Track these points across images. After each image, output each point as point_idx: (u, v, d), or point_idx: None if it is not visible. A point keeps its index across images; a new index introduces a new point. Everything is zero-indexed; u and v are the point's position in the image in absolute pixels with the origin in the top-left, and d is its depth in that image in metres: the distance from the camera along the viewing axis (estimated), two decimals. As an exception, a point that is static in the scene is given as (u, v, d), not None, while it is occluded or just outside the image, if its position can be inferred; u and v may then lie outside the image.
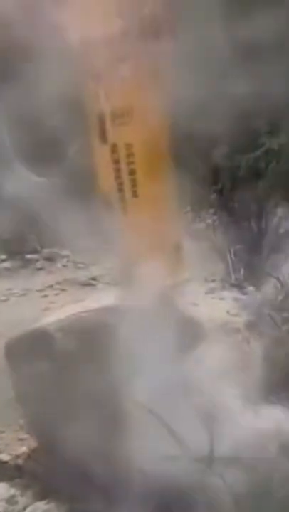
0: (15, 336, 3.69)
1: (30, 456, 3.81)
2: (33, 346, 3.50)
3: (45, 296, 8.60)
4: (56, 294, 8.79)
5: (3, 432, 4.35)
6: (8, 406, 4.62)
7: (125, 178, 3.11)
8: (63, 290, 9.02)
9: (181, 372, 3.08)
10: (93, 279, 9.24)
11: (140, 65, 3.02)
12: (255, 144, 5.40)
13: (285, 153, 5.17)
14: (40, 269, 9.92)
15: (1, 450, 4.07)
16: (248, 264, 4.43)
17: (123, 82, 3.03)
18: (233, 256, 4.20)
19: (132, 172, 3.10)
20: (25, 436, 4.08)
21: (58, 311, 4.02)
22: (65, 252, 10.43)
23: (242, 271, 4.14)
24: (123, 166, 3.10)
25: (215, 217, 6.53)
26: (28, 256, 10.25)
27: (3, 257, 10.20)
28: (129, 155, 3.08)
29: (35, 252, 10.33)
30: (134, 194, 3.11)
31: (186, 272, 3.30)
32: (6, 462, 3.88)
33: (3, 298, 8.54)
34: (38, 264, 10.04)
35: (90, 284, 9.11)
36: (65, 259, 10.20)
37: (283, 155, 5.22)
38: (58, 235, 10.67)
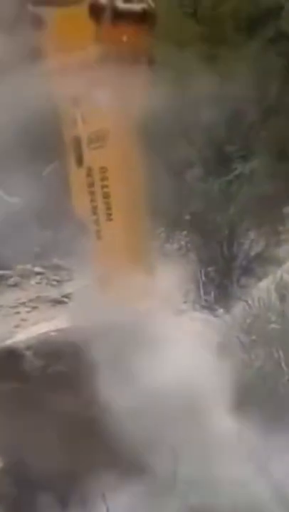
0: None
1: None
2: (2, 365, 3.49)
3: (17, 313, 8.58)
4: (28, 312, 8.77)
5: None
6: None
7: (99, 201, 3.14)
8: (35, 308, 9.00)
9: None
10: (66, 296, 9.24)
11: (116, 90, 3.07)
12: (228, 168, 5.50)
13: (257, 178, 5.27)
14: (13, 285, 9.89)
15: None
16: (218, 286, 4.49)
17: (99, 107, 3.07)
18: (203, 277, 4.25)
19: (106, 195, 3.13)
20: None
21: (29, 329, 4.02)
22: (38, 269, 10.41)
23: (212, 293, 4.19)
24: (97, 190, 3.14)
25: (188, 239, 6.60)
26: (1, 272, 10.22)
27: (-23, 272, 10.15)
28: (104, 178, 3.12)
29: (8, 268, 10.30)
30: (109, 217, 3.15)
31: (158, 294, 3.32)
32: None
33: (-25, 314, 8.50)
34: (11, 281, 10.02)
35: (62, 301, 9.11)
36: (38, 277, 10.19)
37: (255, 180, 5.33)
38: (32, 253, 10.61)
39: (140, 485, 2.81)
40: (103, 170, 3.12)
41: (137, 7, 3.11)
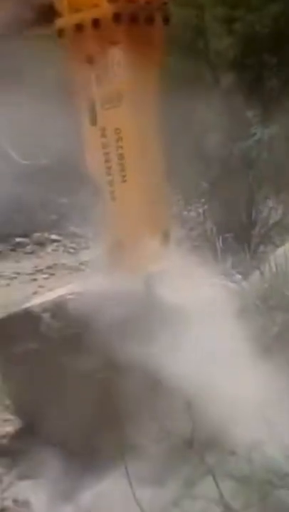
0: (2, 317, 3.72)
1: (15, 436, 3.85)
2: (20, 327, 3.52)
3: (35, 279, 8.64)
4: (45, 279, 8.83)
5: (-13, 412, 4.39)
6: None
7: (114, 162, 3.11)
8: (52, 275, 9.06)
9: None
10: (82, 264, 9.28)
11: (132, 49, 3.00)
12: (246, 134, 5.43)
13: (276, 144, 5.21)
14: (30, 253, 9.95)
15: (-15, 430, 4.11)
16: (236, 253, 4.47)
17: (114, 67, 3.03)
18: (221, 244, 4.24)
19: (120, 157, 3.10)
20: (10, 416, 4.12)
21: (45, 294, 4.05)
22: (55, 237, 10.45)
23: (230, 259, 4.18)
24: (112, 151, 3.10)
25: (206, 207, 6.56)
26: (18, 239, 10.27)
27: (-7, 239, 10.21)
28: (118, 139, 3.08)
29: (25, 235, 10.34)
30: (123, 179, 3.11)
31: (172, 259, 3.29)
32: (-10, 442, 3.92)
33: (-7, 280, 8.58)
34: (28, 248, 10.07)
35: (79, 269, 9.15)
36: (55, 244, 10.23)
37: (274, 146, 5.26)
38: (49, 220, 10.66)
39: (156, 446, 2.83)
40: (118, 131, 3.08)
41: None
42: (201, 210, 6.93)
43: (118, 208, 3.17)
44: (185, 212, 7.90)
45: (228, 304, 3.67)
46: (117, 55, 3.02)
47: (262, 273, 3.81)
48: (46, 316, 3.42)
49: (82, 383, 3.22)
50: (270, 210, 6.34)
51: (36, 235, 10.31)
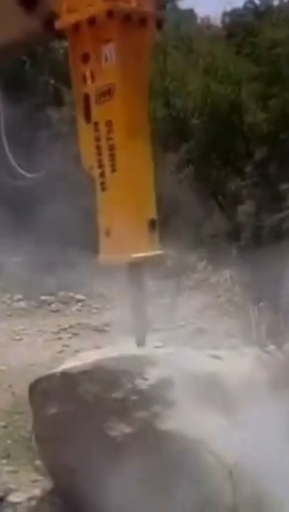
0: (38, 378, 3.75)
1: (43, 498, 3.83)
2: (57, 388, 3.55)
3: (60, 338, 8.67)
4: (69, 338, 8.86)
5: (16, 471, 4.37)
6: (23, 446, 4.66)
7: (105, 154, 3.22)
8: (76, 334, 9.08)
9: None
10: (106, 324, 9.30)
11: (124, 46, 3.14)
12: (280, 206, 5.55)
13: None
14: (55, 311, 10.01)
15: (14, 490, 4.08)
16: (269, 322, 4.49)
17: (107, 63, 3.15)
18: (256, 313, 4.27)
19: (111, 148, 3.20)
20: (39, 477, 4.11)
21: (77, 356, 4.08)
22: (79, 296, 10.53)
23: (263, 329, 4.20)
24: (103, 143, 3.22)
25: (234, 273, 6.62)
26: (44, 297, 10.36)
27: (20, 296, 10.30)
28: (109, 131, 3.20)
29: (50, 294, 10.43)
30: (113, 169, 3.20)
31: (159, 249, 3.27)
32: (19, 503, 3.90)
33: (18, 337, 8.62)
34: (53, 306, 10.13)
35: (103, 330, 9.18)
36: (79, 304, 10.29)
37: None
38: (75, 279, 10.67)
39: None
40: (109, 123, 3.20)
41: None
42: (228, 276, 7.00)
43: (108, 197, 3.25)
44: (213, 279, 7.99)
45: (261, 374, 3.68)
46: (110, 51, 3.15)
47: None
48: (83, 378, 3.45)
49: (120, 449, 3.22)
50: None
51: (61, 293, 10.40)
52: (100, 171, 3.25)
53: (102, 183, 3.26)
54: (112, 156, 3.21)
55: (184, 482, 2.95)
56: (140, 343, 3.29)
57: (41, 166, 3.62)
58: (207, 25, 14.77)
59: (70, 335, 8.90)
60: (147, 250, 3.26)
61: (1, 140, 3.65)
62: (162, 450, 3.10)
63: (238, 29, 8.45)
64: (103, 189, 3.26)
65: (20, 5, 3.27)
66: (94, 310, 10.14)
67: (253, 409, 3.36)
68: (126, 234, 3.21)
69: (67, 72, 3.40)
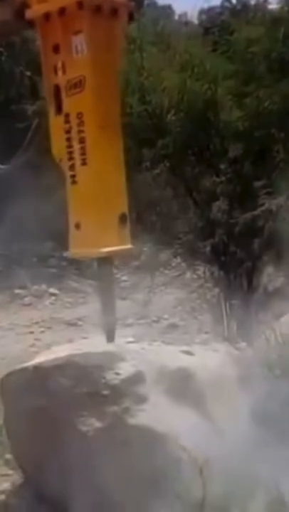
0: (10, 372, 3.74)
1: (13, 492, 3.82)
2: (29, 382, 3.55)
3: (31, 332, 8.66)
4: (42, 332, 8.85)
5: (-14, 466, 4.36)
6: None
7: (76, 146, 3.19)
8: (49, 328, 9.08)
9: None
10: (79, 319, 9.31)
11: (94, 38, 3.13)
12: (253, 203, 5.60)
13: (282, 214, 5.37)
14: (27, 305, 9.98)
15: (-17, 485, 4.07)
16: (240, 319, 4.55)
17: (77, 55, 3.14)
18: (228, 310, 4.31)
19: (81, 140, 3.18)
20: (9, 471, 4.10)
21: (49, 350, 4.07)
22: (52, 290, 10.51)
23: (234, 326, 4.25)
24: (74, 135, 3.19)
25: (207, 269, 6.67)
26: (17, 291, 10.32)
27: (-8, 289, 10.25)
28: (80, 124, 3.17)
29: (24, 287, 10.40)
30: (83, 162, 3.18)
31: (130, 243, 3.28)
32: (-12, 497, 3.89)
33: (-8, 331, 8.58)
34: (26, 300, 10.11)
35: (76, 324, 9.18)
36: (53, 297, 10.28)
37: (280, 216, 5.42)
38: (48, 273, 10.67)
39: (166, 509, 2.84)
40: (80, 115, 3.18)
41: None
42: (201, 273, 7.05)
43: (78, 191, 3.23)
44: (186, 276, 8.03)
45: (233, 370, 3.72)
46: (80, 42, 3.13)
47: (268, 341, 3.88)
48: (55, 373, 3.45)
49: (89, 444, 3.23)
50: (270, 277, 6.45)
51: (35, 287, 10.38)
52: (70, 163, 3.23)
53: (73, 176, 3.24)
54: (83, 149, 3.18)
55: (153, 477, 2.97)
56: (110, 338, 3.33)
57: (14, 159, 3.59)
58: (184, 21, 14.82)
59: (42, 329, 8.90)
60: (118, 244, 3.26)
61: None
62: (133, 445, 3.12)
63: (215, 27, 8.48)
64: (73, 182, 3.24)
65: None
66: (67, 304, 10.15)
67: (223, 405, 3.40)
68: (96, 228, 3.21)
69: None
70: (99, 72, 3.17)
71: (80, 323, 8.92)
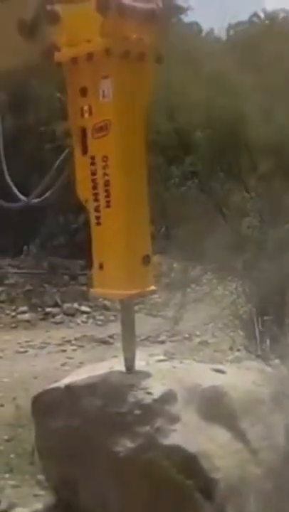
0: (42, 391, 3.74)
1: (45, 512, 3.80)
2: (60, 402, 3.54)
3: (63, 350, 8.67)
4: (74, 350, 8.86)
5: (19, 486, 4.35)
6: (25, 460, 4.64)
7: (101, 189, 3.22)
8: (81, 346, 9.08)
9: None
10: (111, 336, 9.30)
11: (122, 83, 3.15)
12: (285, 218, 5.54)
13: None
14: (59, 323, 10.01)
15: (16, 504, 4.07)
16: (273, 336, 4.49)
17: (104, 98, 3.16)
18: (260, 327, 4.27)
19: (106, 183, 3.21)
20: (41, 492, 4.09)
21: (82, 369, 4.06)
22: (84, 308, 10.53)
23: (267, 342, 4.20)
24: (99, 177, 3.22)
25: (239, 286, 6.61)
26: (48, 309, 10.37)
27: (24, 308, 10.31)
28: (105, 166, 3.20)
29: (55, 305, 10.44)
30: (108, 204, 3.21)
31: (153, 285, 3.31)
32: (20, 517, 3.88)
33: (22, 350, 8.62)
34: (58, 318, 10.14)
35: (107, 341, 9.17)
36: (84, 315, 10.29)
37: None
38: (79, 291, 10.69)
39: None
40: (105, 159, 3.20)
41: (144, 6, 3.17)
42: (233, 289, 6.99)
43: (102, 232, 3.26)
44: (217, 292, 7.97)
45: (266, 388, 3.67)
46: (107, 87, 3.16)
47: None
48: (87, 392, 3.44)
49: (122, 464, 3.20)
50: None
51: (66, 305, 10.41)
52: (95, 204, 3.26)
53: (97, 218, 3.26)
54: (108, 192, 3.21)
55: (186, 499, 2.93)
56: (129, 368, 3.41)
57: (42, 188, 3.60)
58: (212, 38, 14.89)
59: (74, 347, 8.91)
60: (140, 287, 3.30)
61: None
62: (165, 465, 3.08)
63: (243, 42, 8.50)
64: (98, 224, 3.27)
65: (20, 33, 3.29)
66: (99, 322, 10.15)
67: (256, 424, 3.35)
68: (119, 270, 3.22)
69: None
70: (124, 117, 3.19)
71: (111, 340, 8.89)
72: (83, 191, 3.30)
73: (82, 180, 3.30)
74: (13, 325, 9.82)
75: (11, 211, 3.88)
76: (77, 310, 10.47)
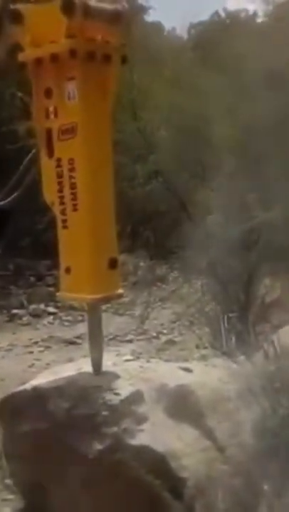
0: (8, 395, 3.71)
1: (14, 517, 3.77)
2: (28, 405, 3.51)
3: (31, 352, 8.60)
4: (41, 351, 8.80)
5: (-14, 491, 4.30)
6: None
7: (67, 192, 3.20)
8: (48, 347, 9.03)
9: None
10: (78, 337, 9.26)
11: (87, 84, 3.14)
12: (248, 216, 5.60)
13: (278, 227, 5.37)
14: (26, 324, 9.93)
15: (-16, 510, 4.02)
16: (238, 332, 4.53)
17: (70, 100, 3.14)
18: (226, 324, 4.30)
19: (73, 186, 3.18)
20: (9, 496, 4.05)
21: (49, 370, 4.04)
22: (51, 309, 10.47)
23: (233, 339, 4.23)
24: (65, 180, 3.19)
25: (204, 283, 6.65)
26: (15, 311, 10.28)
27: (-10, 310, 10.21)
28: (71, 169, 3.18)
29: (22, 307, 10.36)
30: (74, 208, 3.19)
31: (119, 288, 3.32)
32: (-12, 522, 3.84)
33: (-8, 352, 8.53)
34: (25, 320, 10.06)
35: (74, 342, 9.13)
36: (51, 316, 10.23)
37: (276, 229, 5.42)
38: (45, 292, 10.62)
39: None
40: (71, 161, 3.17)
41: (109, 7, 3.16)
42: (198, 286, 7.03)
43: (69, 235, 3.24)
44: (183, 290, 8.00)
45: (232, 385, 3.69)
46: (73, 89, 3.13)
47: (266, 354, 3.85)
48: (55, 394, 3.42)
49: (90, 466, 3.19)
50: (268, 289, 6.44)
51: (33, 306, 10.34)
52: (61, 208, 3.23)
53: (64, 221, 3.24)
54: (74, 195, 3.18)
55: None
56: (96, 369, 3.42)
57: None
58: (173, 36, 14.93)
59: (41, 348, 8.85)
60: (107, 290, 3.30)
61: None
62: (133, 466, 3.08)
63: (203, 41, 8.56)
64: (64, 227, 3.25)
65: None
66: (66, 323, 10.10)
67: (223, 421, 3.37)
68: (85, 274, 3.23)
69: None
70: (92, 120, 3.17)
71: (78, 341, 8.86)
72: (49, 194, 3.27)
73: (48, 182, 3.27)
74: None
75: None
76: (44, 311, 10.41)
